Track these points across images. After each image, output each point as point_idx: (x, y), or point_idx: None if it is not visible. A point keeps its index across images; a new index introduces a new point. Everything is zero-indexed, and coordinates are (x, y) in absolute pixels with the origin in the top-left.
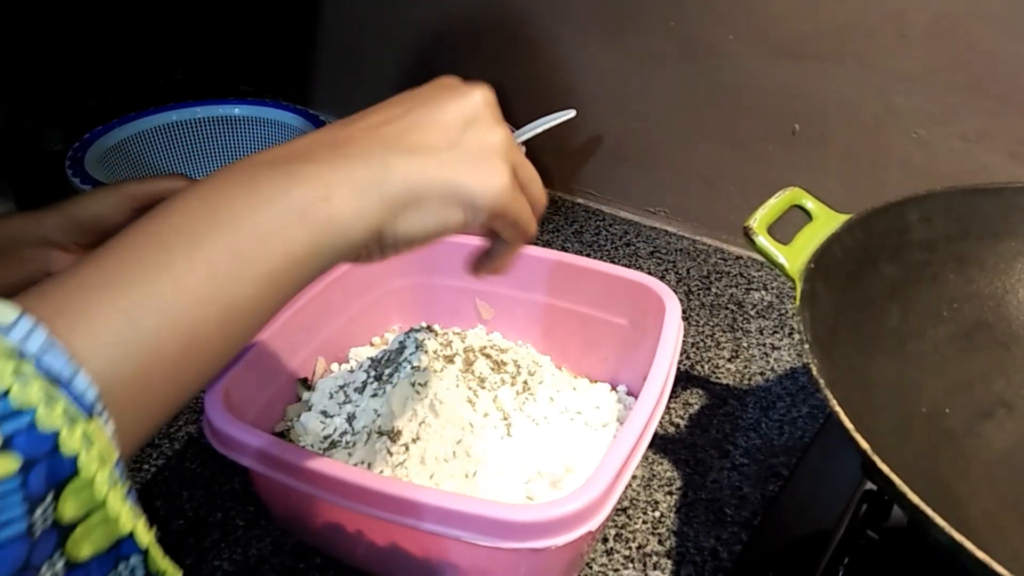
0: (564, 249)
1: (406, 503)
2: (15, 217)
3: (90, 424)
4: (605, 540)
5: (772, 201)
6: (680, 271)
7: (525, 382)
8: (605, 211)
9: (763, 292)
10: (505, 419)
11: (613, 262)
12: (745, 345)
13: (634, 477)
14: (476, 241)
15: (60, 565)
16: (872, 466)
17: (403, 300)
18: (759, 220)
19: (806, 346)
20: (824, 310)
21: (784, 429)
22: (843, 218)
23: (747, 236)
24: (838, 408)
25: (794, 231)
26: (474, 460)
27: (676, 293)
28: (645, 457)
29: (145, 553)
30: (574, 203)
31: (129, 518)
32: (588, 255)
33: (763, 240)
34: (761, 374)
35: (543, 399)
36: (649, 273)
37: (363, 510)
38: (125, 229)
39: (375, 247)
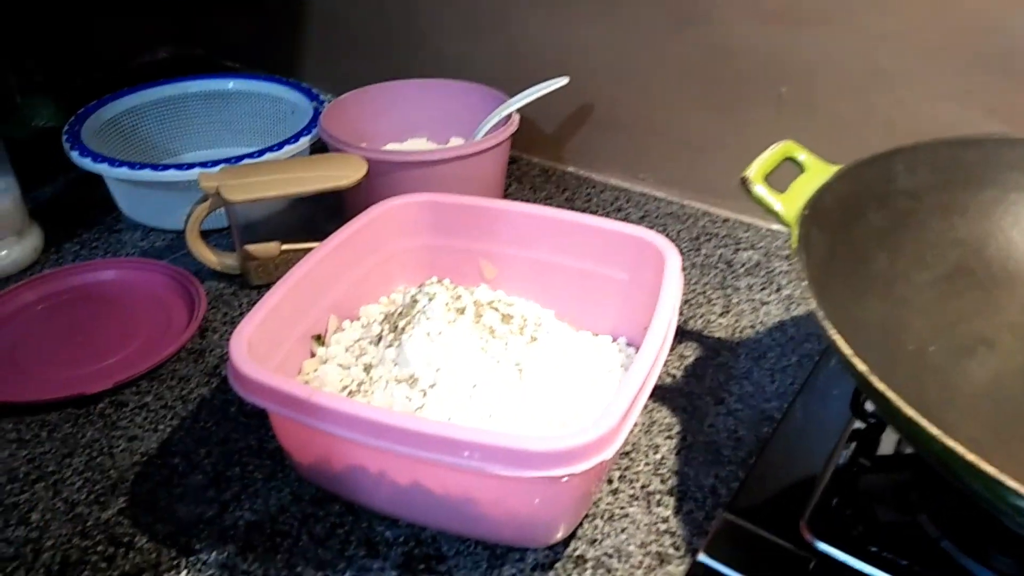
0: None
1: (426, 438)
2: None
3: None
4: (610, 481)
5: (767, 153)
6: (670, 234)
7: (532, 334)
8: (595, 178)
9: (751, 252)
10: (517, 365)
11: None
12: (735, 301)
13: (636, 424)
14: (482, 202)
15: None
16: (868, 386)
17: (409, 261)
18: (755, 170)
19: (804, 283)
20: (818, 254)
21: (775, 377)
22: (834, 169)
23: (744, 186)
24: (836, 336)
25: (786, 186)
26: (489, 403)
27: None
28: (645, 406)
29: None
30: (564, 171)
31: None
32: None
33: (760, 188)
34: (751, 327)
35: (550, 349)
36: None
37: (385, 446)
38: None
39: None
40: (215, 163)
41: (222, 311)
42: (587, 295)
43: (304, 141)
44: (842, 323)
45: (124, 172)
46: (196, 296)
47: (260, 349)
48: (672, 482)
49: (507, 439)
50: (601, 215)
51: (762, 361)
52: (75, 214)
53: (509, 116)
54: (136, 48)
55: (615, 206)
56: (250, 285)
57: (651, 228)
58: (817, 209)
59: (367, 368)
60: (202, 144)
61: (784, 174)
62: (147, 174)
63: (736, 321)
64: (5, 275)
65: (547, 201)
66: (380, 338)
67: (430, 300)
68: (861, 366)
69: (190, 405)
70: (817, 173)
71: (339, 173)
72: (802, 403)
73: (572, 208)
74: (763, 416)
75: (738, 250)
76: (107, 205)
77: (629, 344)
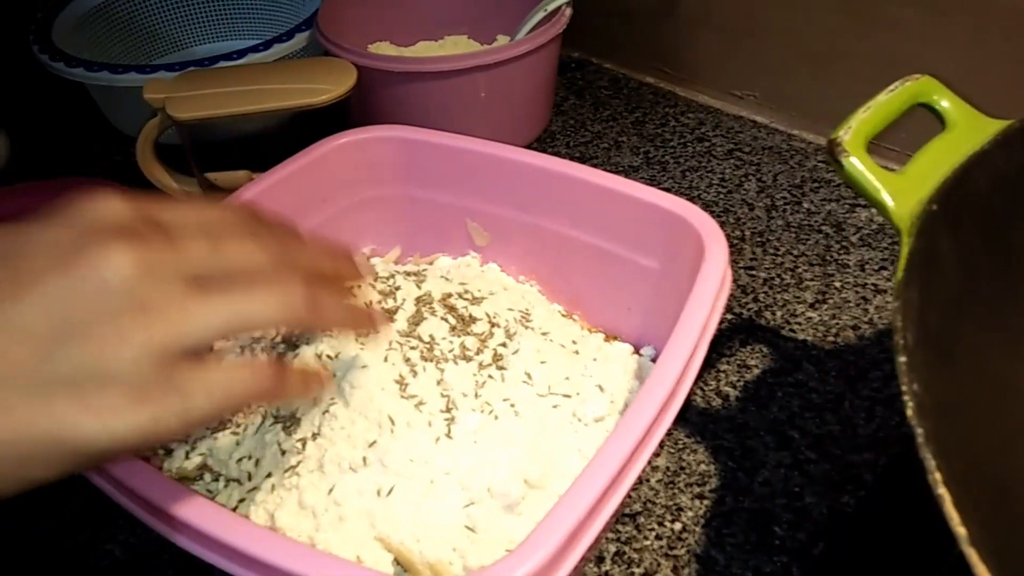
0: (618, 144)
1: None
2: None
3: None
4: (600, 560)
5: (882, 98)
6: (764, 177)
7: (496, 351)
8: (678, 94)
9: (873, 211)
10: (447, 411)
11: (679, 161)
12: (837, 285)
13: (654, 468)
14: (470, 144)
15: None
16: None
17: (375, 216)
18: (855, 129)
19: (902, 360)
20: (945, 283)
21: (876, 412)
22: (998, 126)
23: (832, 156)
24: (956, 516)
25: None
26: (392, 472)
27: (755, 207)
28: (673, 441)
29: None
30: (640, 83)
31: None
32: (647, 152)
33: (856, 163)
34: (854, 328)
35: (516, 376)
36: (723, 179)
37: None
38: None
39: None
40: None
41: None
42: (605, 282)
43: (301, 38)
44: (979, 407)
45: (105, 76)
46: None
47: None
48: (689, 572)
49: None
50: (677, 145)
51: (860, 384)
52: (53, 119)
53: (559, 9)
54: None
55: (697, 133)
56: None
57: (740, 166)
58: (956, 201)
59: None
60: (219, 33)
61: (918, 125)
62: (132, 78)
63: (834, 316)
64: None
65: (610, 123)
66: (275, 346)
67: None
68: None
69: None
70: (967, 133)
71: (318, 85)
72: (910, 461)
73: (641, 134)
74: (847, 475)
75: (855, 207)
76: (91, 109)
77: (655, 359)
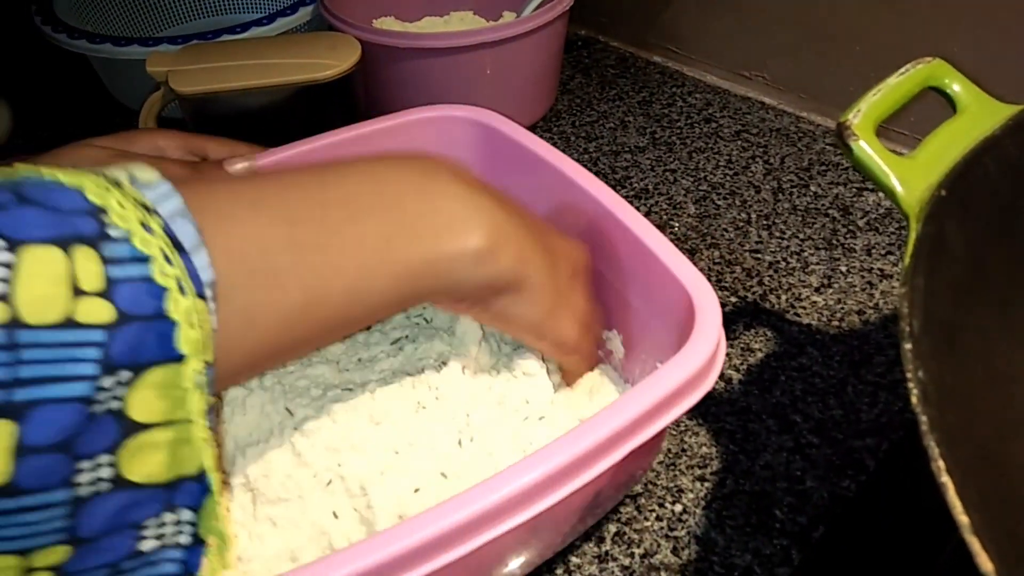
0: (624, 124)
1: None
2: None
3: (198, 304)
4: (601, 540)
5: (893, 80)
6: (771, 159)
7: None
8: (686, 73)
9: (881, 195)
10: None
11: (686, 142)
12: (843, 270)
13: (658, 451)
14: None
15: (106, 474)
16: None
17: None
18: (865, 113)
19: (907, 347)
20: (952, 270)
21: (879, 397)
22: (1010, 111)
23: (841, 139)
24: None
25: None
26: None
27: (761, 190)
28: (676, 423)
29: (201, 510)
30: (648, 62)
31: (205, 449)
32: (654, 132)
33: (865, 147)
34: (859, 313)
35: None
36: (730, 161)
37: None
38: (293, 170)
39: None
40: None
41: None
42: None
43: (305, 12)
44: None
45: (107, 49)
46: None
47: None
48: (689, 553)
49: None
50: (683, 126)
51: (864, 369)
52: (55, 92)
53: None
54: None
55: (704, 114)
56: None
57: (747, 148)
58: (964, 187)
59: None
60: (222, 6)
61: (928, 110)
62: (135, 50)
63: (839, 301)
64: None
65: (617, 102)
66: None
67: None
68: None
69: None
70: (978, 118)
71: (321, 60)
72: (911, 446)
73: (647, 114)
74: (848, 459)
75: (863, 191)
76: (94, 82)
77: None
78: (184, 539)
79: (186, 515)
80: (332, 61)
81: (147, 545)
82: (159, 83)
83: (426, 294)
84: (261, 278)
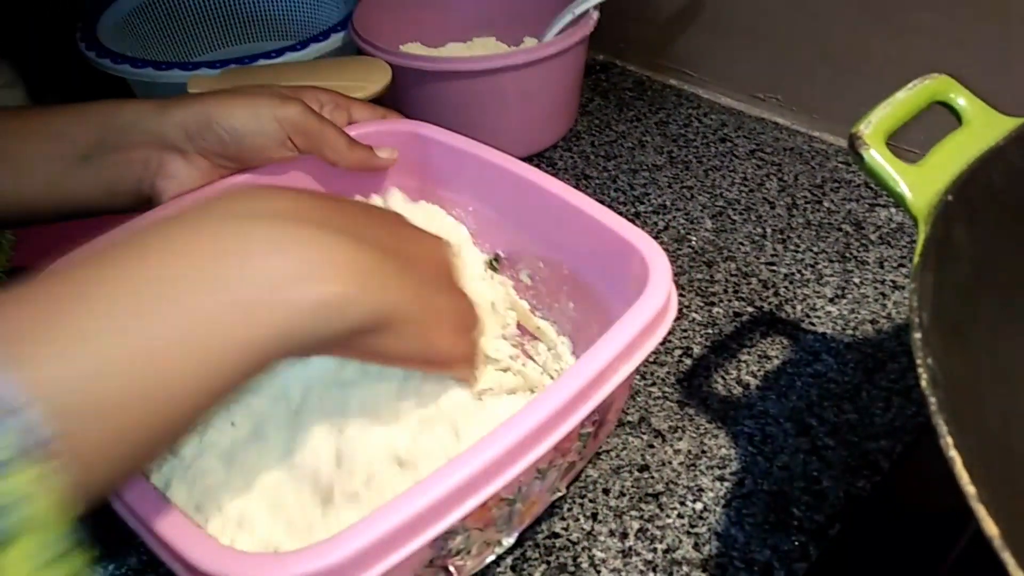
0: (642, 144)
1: None
2: (131, 104)
3: (36, 470)
4: (624, 535)
5: (902, 95)
6: (785, 177)
7: None
8: (701, 95)
9: (893, 211)
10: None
11: (702, 161)
12: (857, 281)
13: (676, 452)
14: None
15: None
16: None
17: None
18: (875, 124)
19: (916, 336)
20: (959, 269)
21: (892, 402)
22: (1013, 124)
23: (853, 149)
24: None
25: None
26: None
27: (776, 206)
28: (695, 426)
29: None
30: (664, 85)
31: None
32: (671, 151)
33: (875, 155)
34: (872, 322)
35: None
36: (745, 179)
37: None
38: (98, 247)
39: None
40: (254, 59)
41: None
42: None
43: (336, 39)
44: (992, 396)
45: (148, 73)
46: None
47: None
48: (710, 548)
49: None
50: (700, 145)
51: (877, 375)
52: None
53: (586, 12)
54: None
55: (720, 134)
56: None
57: (762, 166)
58: (970, 193)
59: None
60: (255, 34)
61: (935, 122)
62: (175, 75)
63: (853, 311)
64: None
65: (634, 123)
66: None
67: None
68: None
69: None
70: (983, 130)
71: (355, 83)
72: (924, 449)
73: (664, 134)
74: (863, 461)
75: (875, 206)
76: None
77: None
78: None
79: None
80: (365, 83)
81: None
82: None
83: (284, 355)
84: (98, 388)
